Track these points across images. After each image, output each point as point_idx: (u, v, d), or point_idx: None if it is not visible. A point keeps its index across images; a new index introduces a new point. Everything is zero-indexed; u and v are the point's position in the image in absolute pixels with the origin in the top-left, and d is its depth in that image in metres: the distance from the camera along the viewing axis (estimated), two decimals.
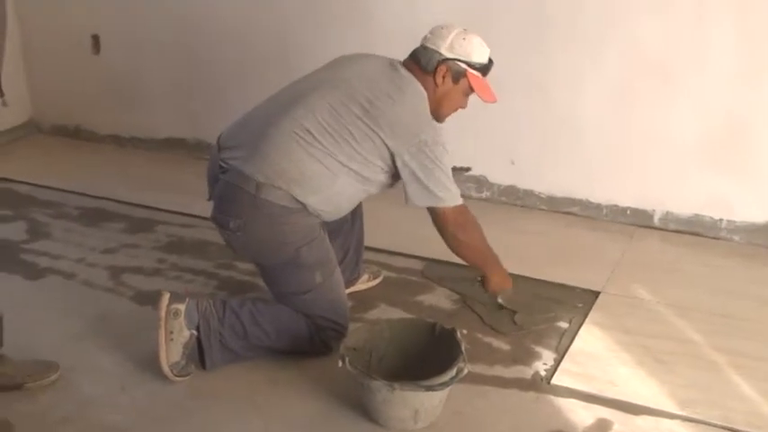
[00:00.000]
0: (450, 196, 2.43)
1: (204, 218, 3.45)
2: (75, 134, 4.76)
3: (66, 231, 3.46)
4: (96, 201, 3.82)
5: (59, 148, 4.67)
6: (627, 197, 3.49)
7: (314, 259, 2.36)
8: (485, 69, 2.47)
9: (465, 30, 2.46)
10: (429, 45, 2.43)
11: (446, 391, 2.05)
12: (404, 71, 2.43)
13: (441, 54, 2.41)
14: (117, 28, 4.44)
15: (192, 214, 3.60)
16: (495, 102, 2.50)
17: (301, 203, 2.30)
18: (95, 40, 4.50)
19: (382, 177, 2.39)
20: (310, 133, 2.29)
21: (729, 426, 2.09)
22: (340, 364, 2.03)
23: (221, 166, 2.37)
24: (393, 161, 2.34)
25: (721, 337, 2.53)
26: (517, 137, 3.65)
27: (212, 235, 3.31)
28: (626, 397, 2.22)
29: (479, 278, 2.76)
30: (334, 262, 2.46)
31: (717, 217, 3.32)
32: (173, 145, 4.50)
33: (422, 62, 2.43)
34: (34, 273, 3.04)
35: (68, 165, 4.33)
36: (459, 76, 2.43)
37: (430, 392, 1.99)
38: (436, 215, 2.47)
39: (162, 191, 3.92)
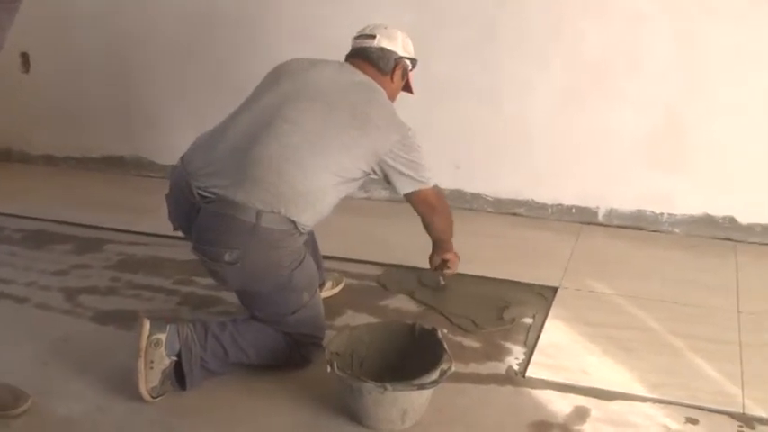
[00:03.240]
0: (430, 176, 2.46)
1: (153, 235, 3.44)
2: (6, 156, 4.62)
3: (11, 255, 3.36)
4: (37, 223, 3.73)
5: None
6: (571, 196, 3.62)
7: (304, 281, 2.33)
8: (415, 64, 2.63)
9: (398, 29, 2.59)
10: (386, 46, 2.51)
11: (432, 389, 2.08)
12: (361, 74, 2.45)
13: (397, 54, 2.52)
14: (47, 45, 4.33)
15: (140, 231, 3.56)
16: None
17: (293, 222, 2.22)
18: (25, 58, 4.39)
19: (359, 174, 2.35)
20: (299, 149, 2.22)
21: (698, 404, 2.19)
22: (328, 369, 2.03)
23: (203, 196, 2.23)
24: (377, 161, 2.33)
25: (677, 323, 2.65)
26: (462, 142, 3.73)
27: (165, 251, 3.29)
28: (599, 384, 2.30)
29: (439, 260, 2.80)
30: (317, 279, 2.44)
31: (658, 211, 3.49)
32: (111, 163, 4.41)
33: (380, 63, 2.50)
34: None
35: (2, 188, 4.18)
36: (405, 73, 2.58)
37: (420, 391, 2.02)
38: (419, 199, 2.47)
39: (104, 210, 3.85)
